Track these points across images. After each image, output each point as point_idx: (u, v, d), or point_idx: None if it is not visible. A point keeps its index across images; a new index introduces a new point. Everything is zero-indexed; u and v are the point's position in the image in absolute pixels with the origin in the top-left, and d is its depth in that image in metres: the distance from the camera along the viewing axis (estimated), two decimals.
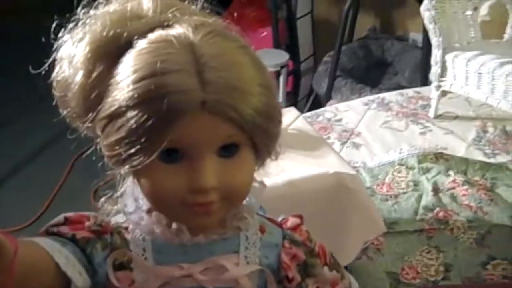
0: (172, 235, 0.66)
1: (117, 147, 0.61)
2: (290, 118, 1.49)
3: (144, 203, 0.68)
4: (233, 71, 0.60)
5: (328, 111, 1.97)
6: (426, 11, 1.88)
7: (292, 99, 3.04)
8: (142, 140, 0.59)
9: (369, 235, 1.38)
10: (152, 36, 0.62)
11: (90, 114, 0.63)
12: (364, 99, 2.04)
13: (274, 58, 2.80)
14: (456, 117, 2.01)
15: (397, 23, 3.13)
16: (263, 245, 0.70)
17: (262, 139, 0.62)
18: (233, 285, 0.68)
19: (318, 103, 2.86)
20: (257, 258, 0.69)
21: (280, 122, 0.64)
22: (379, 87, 2.74)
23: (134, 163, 0.60)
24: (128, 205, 0.69)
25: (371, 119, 1.94)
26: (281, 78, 2.81)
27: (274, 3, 2.95)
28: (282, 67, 2.78)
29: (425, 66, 2.42)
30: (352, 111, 1.98)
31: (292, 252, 0.71)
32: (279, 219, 0.75)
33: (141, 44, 0.62)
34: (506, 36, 2.05)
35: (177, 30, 0.62)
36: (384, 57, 2.99)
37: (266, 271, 0.69)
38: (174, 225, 0.66)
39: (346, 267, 1.38)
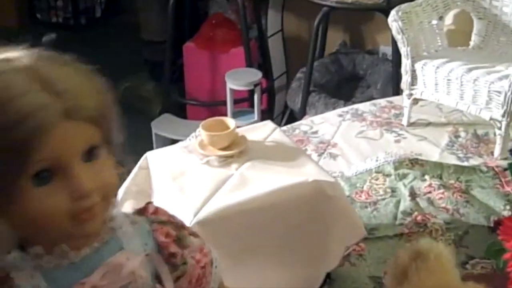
0: (58, 258, 0.68)
1: None
2: (267, 131, 1.52)
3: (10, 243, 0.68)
4: (71, 77, 0.65)
5: (304, 124, 2.01)
6: (393, 22, 1.93)
7: (267, 117, 3.07)
8: (10, 168, 0.61)
9: (351, 240, 1.41)
10: None
11: None
12: (338, 110, 2.08)
13: (247, 77, 2.83)
14: (429, 124, 2.05)
15: (366, 37, 3.19)
16: (140, 234, 0.75)
17: (110, 128, 0.69)
18: (131, 279, 0.71)
19: (293, 119, 2.89)
20: (141, 248, 0.74)
21: (114, 108, 0.70)
22: (353, 100, 2.78)
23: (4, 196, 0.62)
24: None
25: (346, 130, 1.98)
26: (255, 96, 2.85)
27: (244, 23, 2.99)
28: (256, 85, 2.81)
29: (396, 78, 2.47)
30: (327, 123, 2.01)
31: (164, 231, 0.76)
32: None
33: None
34: (471, 43, 2.11)
35: (7, 55, 0.65)
36: (356, 71, 3.04)
37: (152, 254, 0.74)
38: (55, 249, 0.68)
39: (329, 273, 1.41)
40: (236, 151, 1.40)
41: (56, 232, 0.66)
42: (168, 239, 0.76)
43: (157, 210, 0.79)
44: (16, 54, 0.66)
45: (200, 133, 1.44)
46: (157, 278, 0.74)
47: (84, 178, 0.64)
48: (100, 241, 0.71)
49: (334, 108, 2.44)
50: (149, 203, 0.81)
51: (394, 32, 1.94)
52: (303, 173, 1.35)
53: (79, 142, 0.64)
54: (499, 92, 1.78)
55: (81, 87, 0.65)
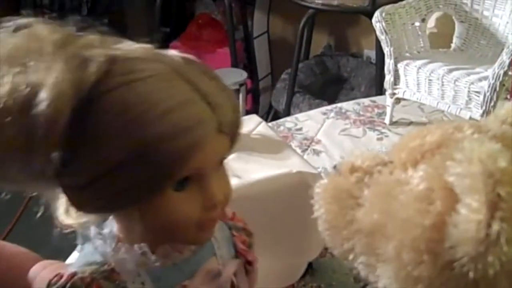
0: (163, 258, 0.68)
1: (122, 193, 0.59)
2: (253, 124, 1.55)
3: (110, 239, 0.67)
4: (219, 90, 0.63)
5: (288, 121, 2.04)
6: (377, 23, 1.97)
7: None
8: (161, 175, 0.59)
9: None
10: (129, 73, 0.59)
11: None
12: (323, 109, 2.11)
13: (233, 77, 2.86)
14: (411, 123, 2.10)
15: (351, 41, 3.23)
16: (225, 240, 0.76)
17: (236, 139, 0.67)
18: (228, 286, 0.72)
19: (277, 119, 2.93)
20: (228, 255, 0.75)
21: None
22: (336, 102, 2.83)
23: (143, 200, 0.60)
24: (101, 246, 0.68)
25: (330, 127, 2.01)
26: (241, 96, 2.88)
27: (231, 24, 3.03)
28: (241, 85, 2.84)
29: (380, 81, 2.51)
30: (311, 120, 2.04)
31: (242, 238, 0.77)
32: None
33: (119, 84, 0.58)
34: (453, 45, 2.16)
35: (153, 65, 0.60)
36: (340, 73, 3.09)
37: (240, 262, 0.75)
38: (159, 249, 0.67)
39: (311, 263, 1.44)
40: None
41: (180, 236, 0.65)
42: (245, 246, 0.77)
43: (234, 216, 0.80)
44: (164, 54, 0.63)
45: None
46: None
47: (217, 189, 0.64)
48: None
49: None
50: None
51: (377, 32, 1.98)
52: (288, 164, 1.38)
53: (221, 155, 0.65)
54: (479, 93, 1.82)
55: (225, 101, 0.63)
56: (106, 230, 0.68)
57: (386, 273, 0.67)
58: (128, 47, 0.65)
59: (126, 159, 0.56)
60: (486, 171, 0.57)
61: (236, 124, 0.65)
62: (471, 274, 0.58)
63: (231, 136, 0.64)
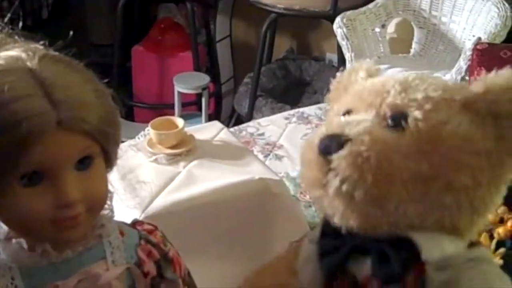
0: (39, 256, 0.68)
1: None
2: (214, 131, 1.55)
3: None
4: (75, 87, 0.65)
5: (250, 126, 2.04)
6: (338, 29, 1.99)
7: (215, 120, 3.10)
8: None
9: (295, 235, 1.44)
10: None
11: None
12: (285, 113, 2.12)
13: (195, 81, 2.86)
14: None
15: (313, 45, 3.26)
16: (126, 247, 0.75)
17: (111, 145, 0.68)
18: None
19: (240, 123, 2.92)
20: (123, 260, 0.74)
21: (119, 124, 0.70)
22: (299, 105, 2.84)
23: None
24: None
25: (292, 132, 2.02)
26: (203, 100, 2.88)
27: (193, 28, 3.02)
28: (204, 89, 2.85)
29: None
30: (273, 125, 2.05)
31: (147, 249, 0.77)
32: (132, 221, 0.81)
33: None
34: (412, 51, 2.20)
35: (9, 54, 0.65)
36: (303, 76, 3.10)
37: (133, 267, 0.74)
38: (38, 247, 0.68)
39: None
40: (184, 149, 1.42)
41: (37, 233, 0.66)
42: (149, 258, 0.77)
43: (152, 231, 0.80)
44: (21, 53, 0.65)
45: (149, 132, 1.46)
46: None
47: (72, 187, 0.64)
48: (84, 246, 0.71)
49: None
50: (151, 224, 0.82)
51: (339, 38, 2.00)
52: (250, 171, 1.38)
53: (72, 152, 0.64)
54: None
55: (83, 99, 0.64)
56: None
57: None
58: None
59: None
60: None
61: (96, 125, 0.64)
62: None
63: (92, 136, 0.65)
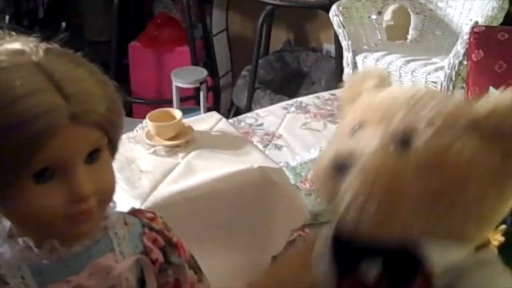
0: (48, 253, 0.68)
1: None
2: (213, 121, 1.54)
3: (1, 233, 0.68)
4: (83, 80, 0.64)
5: (249, 116, 2.04)
6: (334, 17, 1.99)
7: None
8: (12, 165, 0.60)
9: (295, 224, 1.45)
10: None
11: None
12: (283, 103, 2.12)
13: (193, 75, 2.85)
14: None
15: (310, 35, 3.25)
16: (130, 237, 0.75)
17: (117, 134, 0.68)
18: (117, 282, 0.71)
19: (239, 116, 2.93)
20: (130, 250, 0.74)
21: (123, 112, 0.70)
22: (297, 96, 2.83)
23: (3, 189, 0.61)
24: None
25: (291, 122, 2.02)
26: (201, 94, 2.87)
27: (189, 22, 3.01)
28: (201, 83, 2.84)
29: (339, 75, 2.53)
30: (272, 115, 2.05)
31: (152, 236, 0.77)
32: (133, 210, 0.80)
33: None
34: (409, 37, 2.19)
35: (10, 48, 0.64)
36: (300, 68, 3.10)
37: (142, 258, 0.74)
38: (45, 243, 0.67)
39: (275, 257, 1.44)
40: (182, 140, 1.42)
41: (48, 229, 0.65)
42: (155, 245, 0.76)
43: (154, 219, 0.80)
44: (23, 46, 0.64)
45: (147, 124, 1.46)
46: (140, 282, 0.75)
47: (85, 181, 0.63)
48: (91, 240, 0.71)
49: None
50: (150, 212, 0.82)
51: (335, 26, 1.99)
52: (249, 160, 1.38)
53: (84, 146, 0.64)
54: (435, 83, 1.85)
55: (91, 91, 0.64)
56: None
57: None
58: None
59: None
60: None
61: (105, 115, 0.64)
62: None
63: (101, 128, 0.64)
